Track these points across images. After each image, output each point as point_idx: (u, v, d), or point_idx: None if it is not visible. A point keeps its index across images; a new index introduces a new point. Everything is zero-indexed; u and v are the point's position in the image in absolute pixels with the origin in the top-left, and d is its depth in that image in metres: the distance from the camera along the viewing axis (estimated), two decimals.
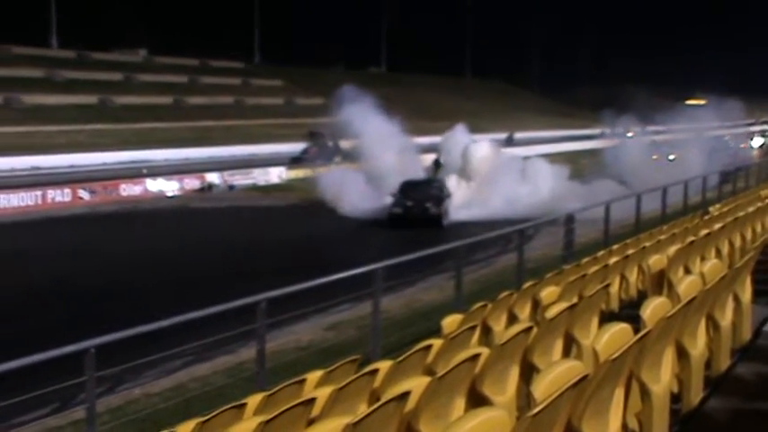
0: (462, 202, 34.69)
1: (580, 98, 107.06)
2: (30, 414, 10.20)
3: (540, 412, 3.54)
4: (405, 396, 4.49)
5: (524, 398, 5.49)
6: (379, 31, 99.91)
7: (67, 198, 37.42)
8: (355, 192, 35.03)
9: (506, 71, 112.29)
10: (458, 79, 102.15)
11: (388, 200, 32.52)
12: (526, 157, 41.02)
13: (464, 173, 37.08)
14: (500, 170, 36.70)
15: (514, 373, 5.56)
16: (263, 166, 49.20)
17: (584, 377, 3.91)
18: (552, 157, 42.52)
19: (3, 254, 24.85)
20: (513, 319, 8.44)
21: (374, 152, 37.47)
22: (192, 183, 44.29)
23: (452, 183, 36.03)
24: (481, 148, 38.32)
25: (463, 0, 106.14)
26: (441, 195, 33.04)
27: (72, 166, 45.75)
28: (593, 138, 60.07)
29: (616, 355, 4.25)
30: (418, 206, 31.60)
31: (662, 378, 5.02)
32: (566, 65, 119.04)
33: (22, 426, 10.06)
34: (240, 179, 46.76)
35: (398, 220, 30.88)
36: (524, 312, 8.74)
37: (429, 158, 40.29)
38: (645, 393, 4.86)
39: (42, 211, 34.86)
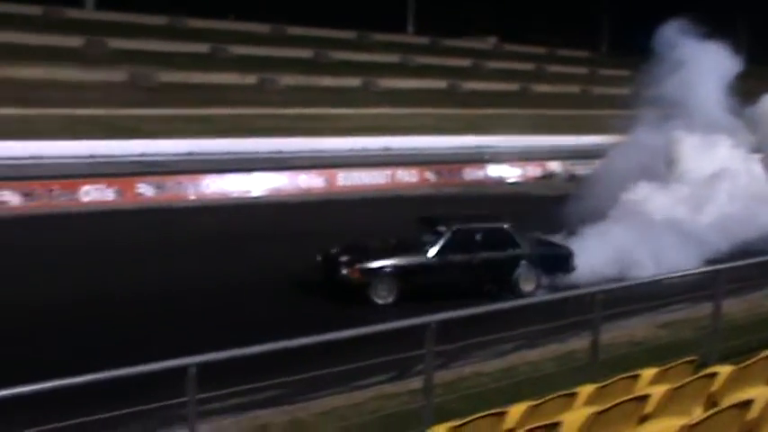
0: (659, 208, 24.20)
1: None
2: (368, 379, 10.91)
3: None
4: (747, 404, 4.30)
5: None
6: None
7: (414, 179, 39.21)
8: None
9: None
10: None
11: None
12: None
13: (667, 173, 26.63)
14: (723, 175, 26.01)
15: None
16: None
17: None
18: None
19: (352, 228, 26.49)
20: None
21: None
22: (533, 170, 44.69)
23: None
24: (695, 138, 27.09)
25: None
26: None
27: (418, 149, 47.82)
28: None
29: None
30: (332, 266, 17.40)
31: None
32: None
33: (362, 389, 10.82)
34: (582, 169, 46.36)
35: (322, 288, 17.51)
36: None
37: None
38: None
39: (392, 190, 36.97)
